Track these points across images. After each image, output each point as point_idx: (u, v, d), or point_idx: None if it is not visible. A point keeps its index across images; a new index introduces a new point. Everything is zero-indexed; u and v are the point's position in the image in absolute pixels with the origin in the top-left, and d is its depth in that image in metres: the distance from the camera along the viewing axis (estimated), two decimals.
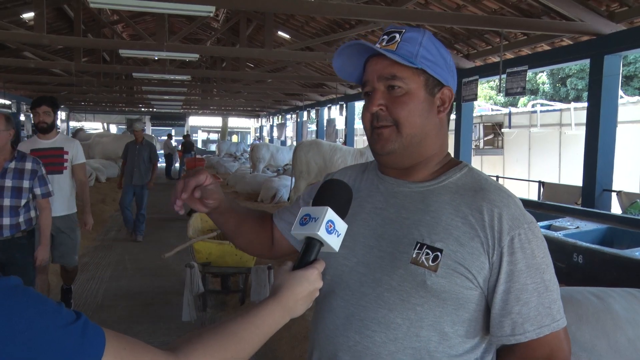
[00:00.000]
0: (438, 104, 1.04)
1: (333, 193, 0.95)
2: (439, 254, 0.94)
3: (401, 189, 1.05)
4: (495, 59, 7.44)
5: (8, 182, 3.02)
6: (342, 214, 0.93)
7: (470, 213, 0.97)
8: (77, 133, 20.92)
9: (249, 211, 1.25)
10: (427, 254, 0.95)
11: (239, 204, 1.25)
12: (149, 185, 7.39)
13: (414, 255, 0.96)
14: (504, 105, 21.81)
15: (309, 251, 0.91)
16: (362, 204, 1.07)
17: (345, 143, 13.37)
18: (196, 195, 1.04)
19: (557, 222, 4.56)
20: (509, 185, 12.45)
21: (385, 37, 1.03)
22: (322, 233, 0.89)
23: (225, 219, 1.17)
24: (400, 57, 0.98)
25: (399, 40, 1.00)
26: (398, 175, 1.07)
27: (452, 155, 1.11)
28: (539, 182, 7.62)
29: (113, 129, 32.95)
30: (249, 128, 36.05)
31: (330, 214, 0.90)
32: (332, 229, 0.90)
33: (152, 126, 32.61)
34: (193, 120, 34.74)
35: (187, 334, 0.78)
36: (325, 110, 15.40)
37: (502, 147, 16.47)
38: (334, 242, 0.91)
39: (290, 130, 21.71)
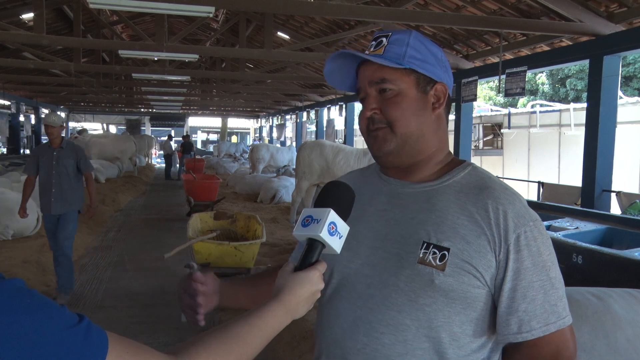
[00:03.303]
0: (433, 100, 1.04)
1: (335, 195, 0.95)
2: (446, 252, 0.94)
3: (405, 190, 1.05)
4: (494, 59, 7.44)
5: None
6: (345, 216, 0.93)
7: (476, 211, 0.96)
8: (81, 133, 20.91)
9: (256, 278, 1.24)
10: (434, 253, 0.95)
11: (242, 280, 1.24)
12: (89, 213, 4.89)
13: (421, 255, 0.96)
14: (504, 105, 21.83)
15: (311, 253, 0.90)
16: (365, 207, 1.06)
17: (345, 143, 13.38)
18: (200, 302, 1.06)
19: (557, 223, 4.56)
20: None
21: (373, 43, 1.04)
22: (324, 235, 0.88)
23: (233, 301, 1.16)
24: (387, 60, 0.99)
25: (386, 44, 1.02)
26: (400, 176, 1.07)
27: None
28: (539, 182, 7.62)
29: (113, 129, 32.97)
30: (249, 129, 36.06)
31: (333, 215, 0.90)
32: (334, 231, 0.90)
33: (151, 127, 32.63)
34: (193, 121, 34.73)
35: (190, 338, 0.78)
36: (325, 110, 15.40)
37: (502, 148, 16.49)
38: (336, 244, 0.91)
39: (289, 131, 21.72)
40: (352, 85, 1.09)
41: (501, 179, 1.07)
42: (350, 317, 1.00)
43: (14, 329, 0.58)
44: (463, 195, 1.00)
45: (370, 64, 1.02)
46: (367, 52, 1.04)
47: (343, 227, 0.92)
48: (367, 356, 0.97)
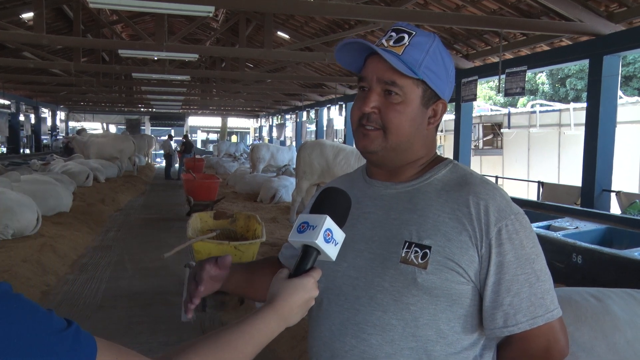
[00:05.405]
0: (430, 114, 1.03)
1: (332, 201, 0.94)
2: (427, 251, 0.94)
3: (388, 191, 1.05)
4: (494, 59, 7.44)
5: None
6: (341, 223, 0.93)
7: (457, 207, 0.96)
8: (80, 133, 20.94)
9: (256, 265, 1.24)
10: (416, 252, 0.95)
11: (245, 265, 1.24)
12: None
13: (403, 255, 0.96)
14: (504, 105, 21.83)
15: (306, 259, 0.89)
16: (351, 211, 1.06)
17: (344, 143, 13.38)
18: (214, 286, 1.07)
19: (557, 223, 4.57)
20: (508, 185, 12.46)
21: (393, 35, 1.00)
22: (320, 242, 0.88)
23: (232, 285, 1.15)
24: (404, 65, 0.96)
25: (407, 43, 0.98)
26: (385, 178, 1.07)
27: (452, 155, 1.11)
28: (538, 182, 7.62)
29: (112, 129, 32.98)
30: (249, 128, 36.06)
31: (329, 222, 0.89)
32: (330, 238, 0.89)
33: (151, 126, 32.64)
34: (192, 121, 34.74)
35: (181, 344, 0.78)
36: (325, 110, 15.40)
37: (502, 148, 16.50)
38: (332, 251, 0.90)
39: (289, 131, 21.73)
40: (359, 68, 1.05)
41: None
42: (337, 320, 1.00)
43: (1, 333, 0.57)
44: (444, 192, 1.00)
45: (384, 60, 0.97)
46: (384, 41, 1.00)
47: (339, 234, 0.91)
48: (355, 357, 0.97)
